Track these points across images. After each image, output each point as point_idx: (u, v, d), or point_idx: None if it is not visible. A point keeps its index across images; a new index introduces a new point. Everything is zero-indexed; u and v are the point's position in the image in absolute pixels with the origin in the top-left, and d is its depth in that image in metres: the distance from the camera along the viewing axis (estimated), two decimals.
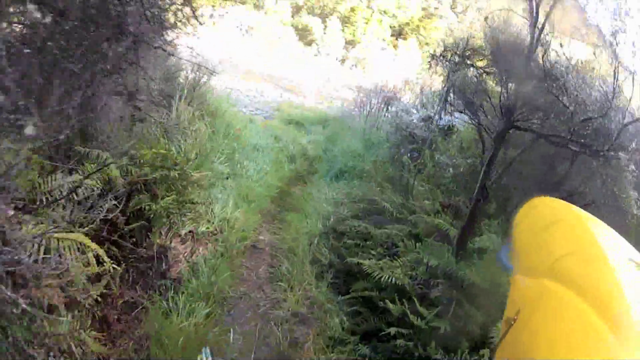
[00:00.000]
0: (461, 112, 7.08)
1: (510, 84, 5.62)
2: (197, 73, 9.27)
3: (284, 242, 7.07)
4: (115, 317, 4.20)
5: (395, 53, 32.08)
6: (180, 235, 5.80)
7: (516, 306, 1.53)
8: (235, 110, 13.30)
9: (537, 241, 1.80)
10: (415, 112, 11.67)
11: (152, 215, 4.94)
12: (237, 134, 10.14)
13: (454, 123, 10.43)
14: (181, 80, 8.72)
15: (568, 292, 1.37)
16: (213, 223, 6.42)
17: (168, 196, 5.23)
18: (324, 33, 39.12)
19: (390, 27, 42.69)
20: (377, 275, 4.92)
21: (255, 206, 7.95)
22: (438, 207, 6.55)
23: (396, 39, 44.26)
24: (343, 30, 40.90)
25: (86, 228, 3.80)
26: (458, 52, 7.32)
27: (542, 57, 5.14)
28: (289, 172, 10.74)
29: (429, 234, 5.86)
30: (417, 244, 5.50)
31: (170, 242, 5.55)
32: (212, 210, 6.61)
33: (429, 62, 7.94)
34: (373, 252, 5.80)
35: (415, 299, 4.69)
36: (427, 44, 40.18)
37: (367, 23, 42.26)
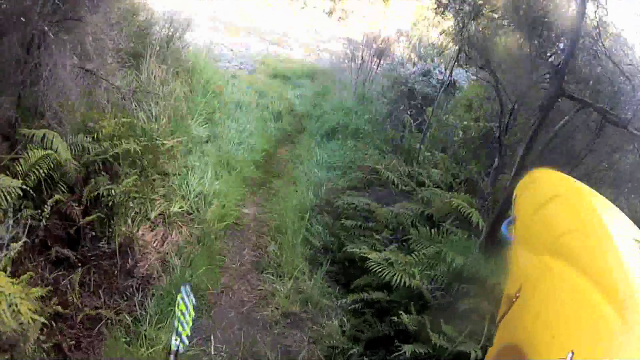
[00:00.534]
0: (481, 68, 6.01)
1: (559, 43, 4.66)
2: (170, 28, 8.11)
3: (270, 218, 6.15)
4: (73, 342, 3.29)
5: (385, 4, 30.71)
6: (149, 220, 4.83)
7: (517, 282, 1.73)
8: (217, 65, 12.23)
9: (538, 215, 1.96)
10: (411, 65, 10.58)
11: (113, 201, 4.13)
12: (217, 92, 9.01)
13: (455, 78, 9.43)
14: (154, 37, 7.62)
15: (572, 271, 1.47)
16: (188, 200, 5.46)
17: (131, 175, 4.40)
18: None
19: None
20: (387, 274, 3.95)
21: (238, 175, 6.97)
22: (450, 178, 5.57)
23: None
24: None
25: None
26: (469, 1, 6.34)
27: (595, 13, 4.15)
28: (275, 132, 9.68)
29: (444, 215, 4.86)
30: (432, 231, 4.47)
31: (137, 231, 4.61)
32: (187, 183, 5.64)
33: (435, 9, 6.94)
34: (377, 236, 4.83)
35: (434, 309, 3.72)
36: None
37: None
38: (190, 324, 2.32)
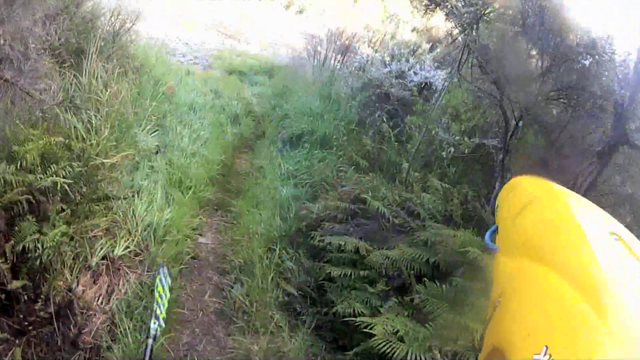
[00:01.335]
0: (493, 83, 5.18)
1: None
2: (117, 19, 7.03)
3: (233, 249, 5.18)
4: None
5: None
6: (90, 268, 3.83)
7: (499, 287, 1.68)
8: (170, 60, 11.36)
9: (516, 220, 1.91)
10: (382, 65, 9.60)
11: (43, 251, 3.29)
12: (168, 93, 7.84)
13: (431, 80, 8.52)
14: (99, 31, 6.53)
15: (546, 270, 1.43)
16: (135, 235, 4.39)
17: (61, 220, 3.52)
18: None
19: None
20: (398, 352, 2.91)
21: (192, 196, 5.94)
22: (447, 207, 4.63)
23: None
24: None
25: None
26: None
27: None
28: (232, 138, 8.53)
29: (454, 265, 3.81)
30: (444, 287, 3.48)
31: (77, 285, 3.64)
32: (133, 212, 4.56)
33: (426, 6, 6.09)
34: (371, 289, 3.79)
35: None
36: None
37: None
38: (166, 305, 2.29)
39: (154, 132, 6.54)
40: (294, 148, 8.13)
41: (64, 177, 3.62)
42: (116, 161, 4.73)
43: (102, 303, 3.73)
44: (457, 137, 5.96)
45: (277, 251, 4.80)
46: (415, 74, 8.66)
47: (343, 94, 9.69)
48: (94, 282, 3.81)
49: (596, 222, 1.65)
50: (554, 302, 1.32)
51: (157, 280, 2.33)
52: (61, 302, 3.44)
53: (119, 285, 3.91)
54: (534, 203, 1.97)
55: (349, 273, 3.95)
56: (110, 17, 6.84)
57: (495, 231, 2.20)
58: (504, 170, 5.00)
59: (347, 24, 14.91)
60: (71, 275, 3.59)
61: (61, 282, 3.48)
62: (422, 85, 8.60)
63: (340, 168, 6.14)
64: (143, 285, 4.02)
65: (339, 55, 13.23)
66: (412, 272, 3.73)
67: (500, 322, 1.54)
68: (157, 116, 6.97)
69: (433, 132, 5.99)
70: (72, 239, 3.67)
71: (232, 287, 4.49)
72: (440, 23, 19.11)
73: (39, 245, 3.24)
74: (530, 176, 2.34)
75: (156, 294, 2.30)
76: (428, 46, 10.47)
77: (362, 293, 3.81)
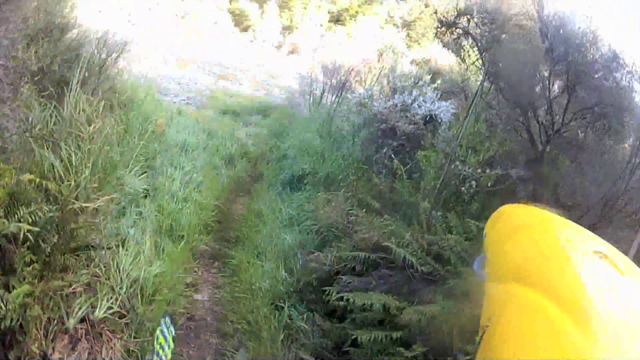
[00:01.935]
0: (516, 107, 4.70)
1: None
2: (103, 48, 6.54)
3: (234, 308, 4.48)
4: None
5: (348, 33, 30.09)
6: (68, 331, 3.18)
7: (489, 312, 1.77)
8: (163, 99, 11.32)
9: (504, 247, 2.08)
10: (384, 99, 9.04)
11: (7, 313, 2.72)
12: (158, 131, 7.24)
13: (435, 112, 7.96)
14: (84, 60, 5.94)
15: (533, 293, 1.55)
16: (120, 293, 3.69)
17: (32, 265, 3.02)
18: (261, 19, 39.21)
19: (329, 12, 43.22)
20: None
21: (185, 245, 5.26)
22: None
23: (335, 24, 44.41)
24: (280, 15, 41.08)
25: None
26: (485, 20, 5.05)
27: None
28: (227, 181, 7.92)
29: None
30: None
31: (52, 351, 3.01)
32: (117, 266, 3.87)
33: (437, 30, 5.58)
34: (407, 353, 3.03)
35: None
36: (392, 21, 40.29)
37: (305, 8, 42.36)
38: (170, 356, 2.20)
39: (142, 174, 5.97)
40: (294, 190, 7.52)
41: (31, 223, 3.03)
42: (98, 205, 4.08)
43: None
44: (479, 170, 5.44)
45: (286, 309, 4.14)
46: (420, 106, 8.10)
47: (344, 131, 9.08)
48: (72, 349, 3.15)
49: (580, 243, 1.71)
50: (540, 323, 1.39)
51: (158, 331, 2.22)
52: None
53: (101, 352, 3.24)
54: (522, 230, 2.09)
55: (380, 337, 3.23)
56: (97, 45, 6.32)
57: (483, 260, 2.29)
58: (536, 201, 4.35)
59: (342, 60, 14.44)
60: (46, 339, 2.97)
61: (35, 347, 2.85)
62: (427, 118, 8.03)
63: (350, 211, 5.48)
64: (130, 354, 3.34)
65: (336, 91, 12.73)
66: (454, 329, 3.06)
67: (489, 343, 1.60)
68: (146, 156, 6.43)
69: (452, 166, 5.36)
70: (45, 296, 3.04)
71: (236, 353, 3.82)
72: (438, 54, 18.85)
73: (2, 305, 2.68)
74: (517, 204, 2.57)
75: (156, 346, 2.18)
76: (428, 77, 9.91)
77: (395, 359, 3.10)
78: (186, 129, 9.07)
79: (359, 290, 3.70)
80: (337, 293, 3.82)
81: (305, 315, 4.11)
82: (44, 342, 2.95)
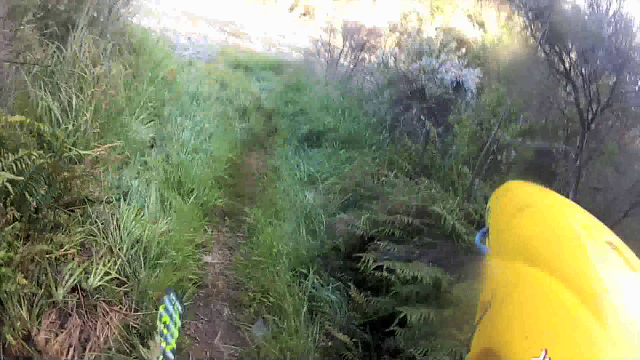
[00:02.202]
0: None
1: None
2: None
3: (250, 274, 3.90)
4: None
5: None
6: (56, 305, 2.59)
7: (490, 289, 1.72)
8: (171, 52, 9.92)
9: (511, 224, 2.00)
10: (406, 62, 8.41)
11: None
12: (169, 79, 6.65)
13: (463, 79, 7.37)
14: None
15: (544, 275, 1.48)
16: (120, 254, 3.08)
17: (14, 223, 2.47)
18: None
19: None
20: None
21: (195, 201, 4.65)
22: None
23: None
24: None
25: None
26: None
27: None
28: (241, 134, 7.28)
29: None
30: None
31: (38, 332, 2.43)
32: (117, 223, 3.25)
33: None
34: (460, 336, 2.53)
35: None
36: None
37: None
38: (177, 335, 1.99)
39: (150, 122, 5.40)
40: (311, 146, 6.97)
41: (17, 172, 2.52)
42: (99, 154, 3.60)
43: (73, 358, 2.49)
44: (519, 139, 5.12)
45: (310, 276, 3.60)
46: (447, 71, 7.49)
47: (366, 90, 8.47)
48: (60, 326, 2.55)
49: (593, 231, 1.71)
50: (553, 307, 1.37)
51: (161, 309, 1.98)
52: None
53: (95, 330, 2.63)
54: (530, 208, 2.02)
55: (430, 316, 2.72)
56: None
57: (486, 233, 2.24)
58: (579, 177, 4.27)
59: (362, 21, 13.67)
60: (29, 315, 2.38)
61: (19, 324, 2.28)
62: (454, 85, 7.44)
63: (380, 171, 4.95)
64: (130, 331, 2.75)
65: (355, 52, 12.06)
66: None
67: (494, 323, 1.57)
68: (154, 104, 5.82)
69: (494, 131, 4.82)
70: (30, 261, 2.48)
71: (252, 327, 3.30)
72: (462, 25, 18.09)
73: None
74: (523, 181, 2.50)
75: (160, 326, 1.95)
76: (454, 44, 9.27)
77: (446, 341, 2.62)
78: (198, 79, 8.46)
79: (400, 260, 3.18)
80: (374, 261, 3.30)
81: (330, 286, 3.60)
82: (27, 319, 2.37)
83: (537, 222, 1.87)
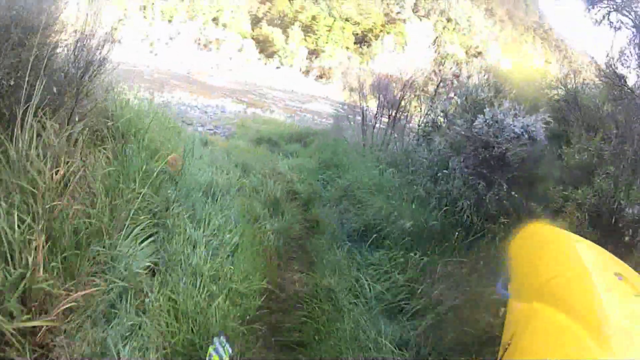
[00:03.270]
0: None
1: None
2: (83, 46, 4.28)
3: None
4: None
5: (397, 42, 28.41)
6: None
7: (511, 330, 1.79)
8: (185, 128, 9.47)
9: (528, 266, 2.12)
10: (466, 115, 6.67)
11: None
12: (173, 170, 5.06)
13: (532, 128, 5.58)
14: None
15: (556, 311, 1.58)
16: None
17: None
18: (286, 44, 39.00)
19: (353, 34, 43.21)
20: None
21: None
22: None
23: (359, 46, 44.12)
24: (305, 39, 40.82)
25: None
26: None
27: None
28: (274, 238, 5.47)
29: None
30: None
31: None
32: None
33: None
34: None
35: None
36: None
37: (329, 31, 42.06)
38: None
39: (147, 238, 3.87)
40: (371, 249, 5.16)
41: None
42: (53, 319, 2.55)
43: None
44: None
45: None
46: (514, 121, 5.70)
47: (425, 160, 6.69)
48: None
49: (602, 265, 1.80)
50: (562, 340, 1.45)
51: (211, 349, 2.06)
52: None
53: None
54: (546, 250, 2.18)
55: None
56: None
57: (506, 280, 2.29)
58: None
59: (391, 72, 12.03)
60: None
61: None
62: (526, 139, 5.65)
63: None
64: None
65: (390, 110, 10.45)
66: None
67: (510, 357, 1.63)
68: (153, 209, 4.27)
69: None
70: None
71: None
72: (501, 61, 16.58)
73: None
74: (541, 224, 2.75)
75: None
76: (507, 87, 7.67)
77: None
78: (213, 165, 6.84)
79: None
80: None
81: None
82: None
83: (552, 263, 1.94)
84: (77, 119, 3.91)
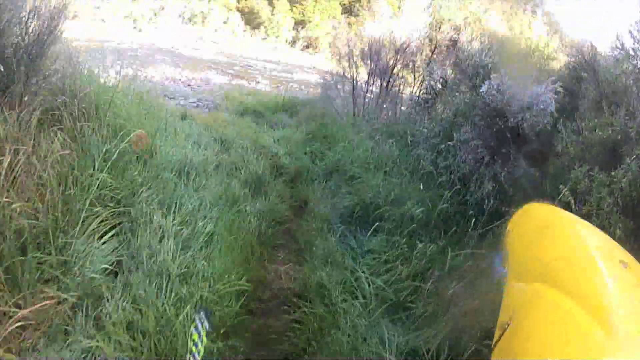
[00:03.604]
0: None
1: None
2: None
3: None
4: None
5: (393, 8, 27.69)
6: None
7: (509, 310, 1.74)
8: (168, 103, 9.01)
9: (529, 246, 2.05)
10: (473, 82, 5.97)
11: None
12: (138, 149, 4.32)
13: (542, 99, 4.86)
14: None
15: (560, 294, 1.54)
16: None
17: None
18: (272, 15, 38.66)
19: (340, 4, 42.75)
20: None
21: None
22: None
23: (347, 17, 43.30)
24: (291, 10, 40.44)
25: None
26: None
27: None
28: (256, 223, 4.73)
29: None
30: None
31: None
32: None
33: None
34: None
35: None
36: None
37: (316, 1, 41.56)
38: (202, 352, 1.96)
39: (109, 231, 3.29)
40: (369, 233, 4.46)
41: None
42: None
43: None
44: None
45: None
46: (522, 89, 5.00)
47: (425, 130, 5.97)
48: None
49: (607, 250, 1.75)
50: (567, 324, 1.43)
51: (192, 327, 1.93)
52: None
53: None
54: (548, 230, 2.07)
55: None
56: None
57: (504, 257, 2.21)
58: None
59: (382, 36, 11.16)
60: None
61: None
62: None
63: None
64: None
65: (382, 77, 9.71)
66: None
67: (511, 342, 1.59)
68: (117, 196, 3.60)
69: None
70: None
71: None
72: (497, 26, 15.83)
73: None
74: (542, 203, 2.50)
75: (190, 344, 1.90)
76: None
77: None
78: (189, 140, 6.10)
79: None
80: None
81: None
82: None
83: (555, 244, 1.88)
84: (26, 99, 3.27)
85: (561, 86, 4.93)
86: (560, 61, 7.37)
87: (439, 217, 4.33)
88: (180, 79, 16.34)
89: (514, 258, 2.12)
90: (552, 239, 2.00)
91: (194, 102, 12.90)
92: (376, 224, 4.42)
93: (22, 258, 2.51)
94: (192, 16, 34.91)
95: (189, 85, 15.94)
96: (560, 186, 3.60)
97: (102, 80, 4.99)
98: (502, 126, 4.68)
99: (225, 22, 36.66)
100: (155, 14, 33.77)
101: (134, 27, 30.26)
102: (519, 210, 2.50)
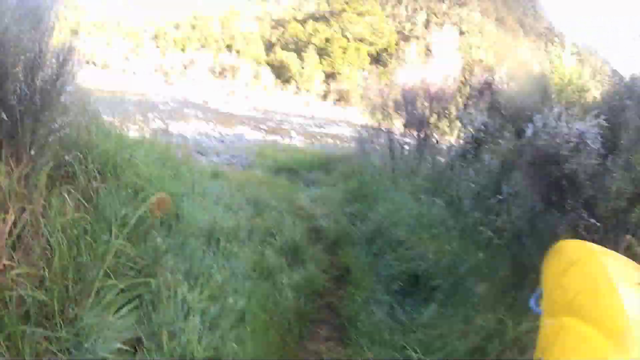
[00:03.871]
0: None
1: None
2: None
3: None
4: None
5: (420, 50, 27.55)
6: None
7: (542, 346, 1.77)
8: (199, 159, 8.95)
9: (559, 282, 2.07)
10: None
11: None
12: (157, 215, 3.98)
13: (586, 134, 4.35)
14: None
15: (583, 325, 1.57)
16: None
17: None
18: (302, 68, 39.21)
19: (368, 54, 43.34)
20: None
21: None
22: None
23: (376, 66, 43.93)
24: (321, 62, 40.97)
25: None
26: None
27: None
28: (292, 297, 4.28)
29: None
30: None
31: None
32: None
33: None
34: None
35: None
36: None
37: (344, 53, 42.08)
38: None
39: (127, 304, 2.96)
40: (417, 301, 4.03)
41: None
42: None
43: None
44: None
45: None
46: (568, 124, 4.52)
47: (471, 184, 5.55)
48: None
49: (627, 275, 1.77)
50: (586, 349, 1.49)
51: None
52: None
53: None
54: (575, 265, 2.10)
55: None
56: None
57: (539, 296, 2.23)
58: None
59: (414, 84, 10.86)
60: None
61: None
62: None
63: None
64: None
65: (418, 127, 9.35)
66: None
67: None
68: (134, 265, 3.31)
69: None
70: None
71: None
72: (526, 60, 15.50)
73: None
74: (573, 240, 2.59)
75: None
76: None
77: None
78: (219, 202, 5.77)
79: None
80: None
81: None
82: None
83: (580, 277, 1.92)
84: (33, 153, 3.01)
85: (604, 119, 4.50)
86: (591, 92, 6.99)
87: (493, 285, 3.87)
88: (213, 135, 16.39)
89: (547, 296, 2.14)
90: (578, 273, 2.02)
91: (227, 159, 12.78)
92: (426, 294, 3.98)
93: (24, 327, 2.28)
94: (222, 70, 35.83)
95: (222, 141, 15.92)
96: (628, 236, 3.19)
97: (125, 134, 4.78)
98: (559, 174, 4.23)
99: (255, 77, 37.54)
100: (185, 68, 34.76)
101: (165, 80, 31.00)
102: (551, 249, 2.46)
